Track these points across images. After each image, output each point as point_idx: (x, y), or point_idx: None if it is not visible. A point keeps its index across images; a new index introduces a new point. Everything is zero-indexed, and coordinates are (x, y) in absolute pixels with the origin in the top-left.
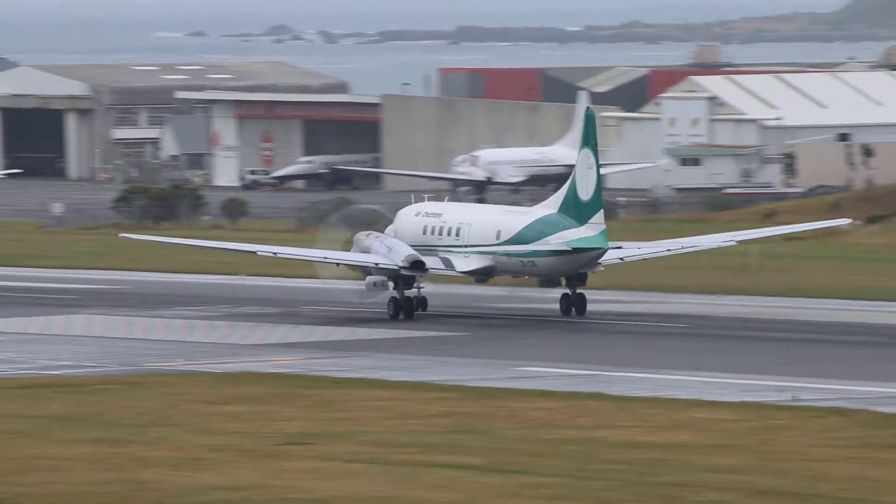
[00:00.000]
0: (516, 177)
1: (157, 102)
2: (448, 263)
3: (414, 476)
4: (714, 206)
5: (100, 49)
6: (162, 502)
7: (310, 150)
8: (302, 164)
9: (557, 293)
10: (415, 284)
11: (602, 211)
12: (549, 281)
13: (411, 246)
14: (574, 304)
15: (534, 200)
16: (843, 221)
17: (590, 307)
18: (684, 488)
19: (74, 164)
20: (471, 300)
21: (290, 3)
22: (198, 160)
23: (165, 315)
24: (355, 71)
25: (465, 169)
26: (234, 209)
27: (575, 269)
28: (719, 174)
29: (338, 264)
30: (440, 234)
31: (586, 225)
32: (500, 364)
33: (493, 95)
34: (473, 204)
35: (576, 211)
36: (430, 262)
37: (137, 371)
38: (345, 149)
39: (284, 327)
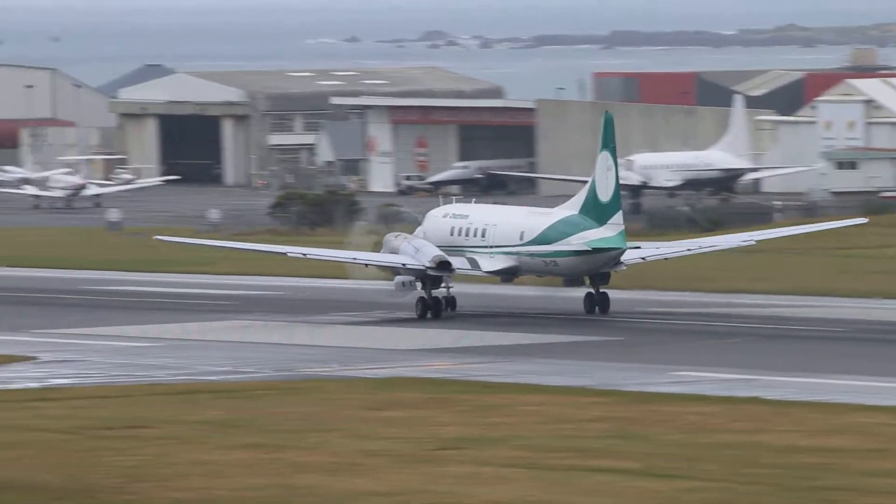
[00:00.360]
0: (672, 181)
1: (313, 108)
2: (474, 264)
3: (569, 481)
4: (871, 210)
5: (255, 56)
6: None
7: (465, 155)
8: (457, 169)
9: (581, 292)
10: (443, 284)
11: (620, 212)
12: (573, 280)
13: (439, 246)
14: (598, 304)
15: (690, 205)
16: (862, 220)
17: (755, 311)
18: (844, 493)
19: (230, 170)
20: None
21: (446, 8)
22: (353, 166)
23: (319, 320)
24: (510, 76)
25: (620, 173)
26: (389, 215)
27: (596, 269)
28: (876, 177)
29: (366, 265)
30: (467, 234)
31: (606, 226)
32: (655, 368)
33: (647, 99)
34: (499, 206)
35: (596, 212)
36: (457, 262)
37: (293, 376)
38: (499, 154)
39: (432, 331)
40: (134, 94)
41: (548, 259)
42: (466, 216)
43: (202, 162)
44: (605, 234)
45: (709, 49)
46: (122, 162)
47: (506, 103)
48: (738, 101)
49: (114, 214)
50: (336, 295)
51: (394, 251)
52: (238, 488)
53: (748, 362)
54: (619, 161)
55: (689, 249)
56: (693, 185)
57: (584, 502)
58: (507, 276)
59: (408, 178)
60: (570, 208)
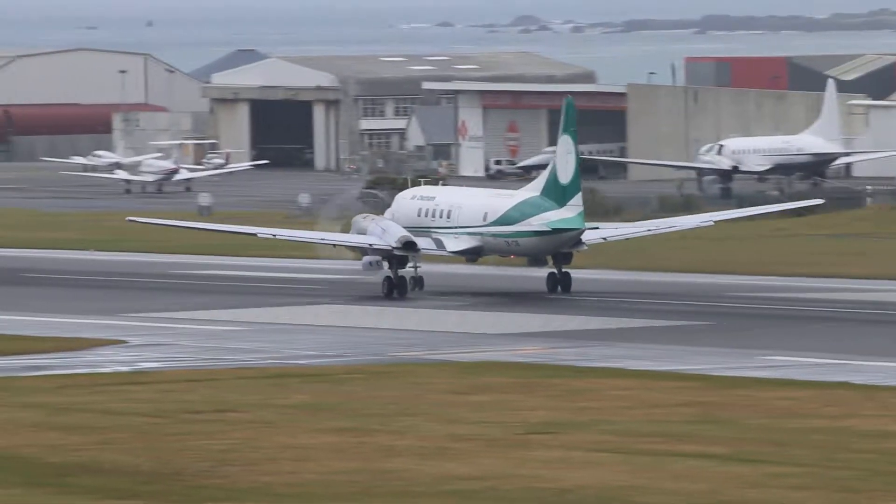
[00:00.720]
0: (762, 166)
1: (404, 93)
2: (440, 244)
3: (658, 465)
4: None
5: (347, 41)
6: (407, 491)
7: (555, 139)
8: (547, 153)
9: (544, 272)
10: (411, 265)
11: (580, 194)
12: (537, 260)
13: (407, 228)
14: (560, 283)
15: (780, 190)
16: (818, 201)
17: (845, 296)
18: None
19: (321, 154)
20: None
21: None
22: (443, 150)
23: (407, 305)
24: (601, 60)
25: (711, 158)
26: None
27: (556, 249)
28: None
29: (334, 245)
30: (433, 216)
31: (566, 207)
32: (744, 353)
33: (738, 84)
34: (464, 188)
35: (556, 194)
36: (423, 242)
37: (382, 360)
38: (590, 138)
39: (522, 315)
40: (226, 79)
41: (510, 239)
42: (433, 198)
43: (293, 146)
44: (565, 214)
45: (801, 33)
46: (214, 147)
47: (597, 88)
48: (830, 86)
49: (204, 199)
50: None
51: (362, 232)
52: (327, 472)
53: (838, 347)
54: (711, 145)
55: (648, 230)
56: (783, 169)
57: (673, 487)
58: (472, 255)
59: (497, 162)
60: (532, 190)
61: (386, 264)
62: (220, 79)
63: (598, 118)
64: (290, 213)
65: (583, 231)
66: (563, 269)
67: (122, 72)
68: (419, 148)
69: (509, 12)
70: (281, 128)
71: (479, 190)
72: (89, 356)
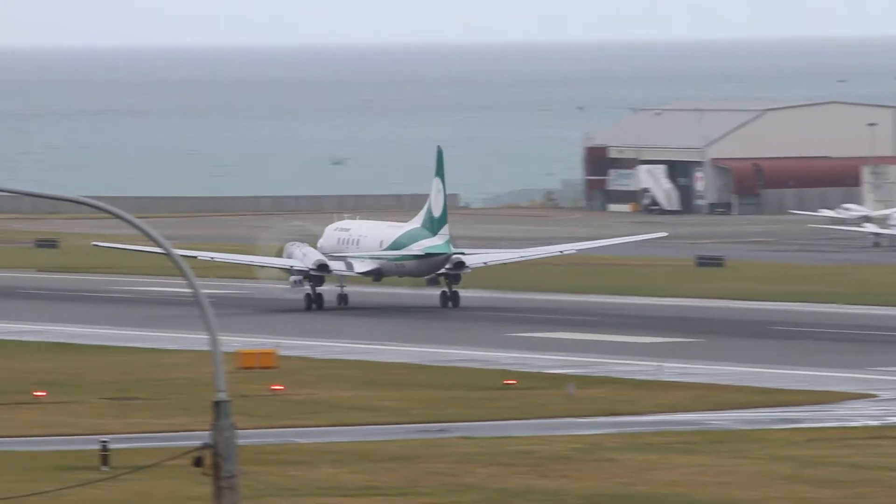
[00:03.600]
0: None
1: None
2: (349, 266)
3: None
4: None
5: None
6: None
7: None
8: None
9: (437, 291)
10: (338, 284)
11: (447, 225)
12: (432, 280)
13: (329, 254)
14: (450, 299)
15: None
16: (662, 234)
17: None
18: None
19: None
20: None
21: None
22: None
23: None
24: None
25: None
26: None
27: (432, 270)
28: None
29: (262, 266)
30: (347, 244)
31: (437, 235)
32: None
33: None
34: (371, 221)
35: (430, 225)
36: (336, 265)
37: None
38: None
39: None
40: None
41: (397, 262)
42: (348, 229)
43: None
44: (436, 241)
45: None
46: None
47: None
48: None
49: None
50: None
51: (289, 256)
52: None
53: None
54: None
55: (522, 256)
56: None
57: None
58: (375, 275)
59: None
60: (415, 223)
61: (307, 283)
62: None
63: None
64: None
65: (450, 255)
66: (454, 289)
67: (872, 124)
68: None
69: None
70: None
71: (380, 222)
72: (839, 409)
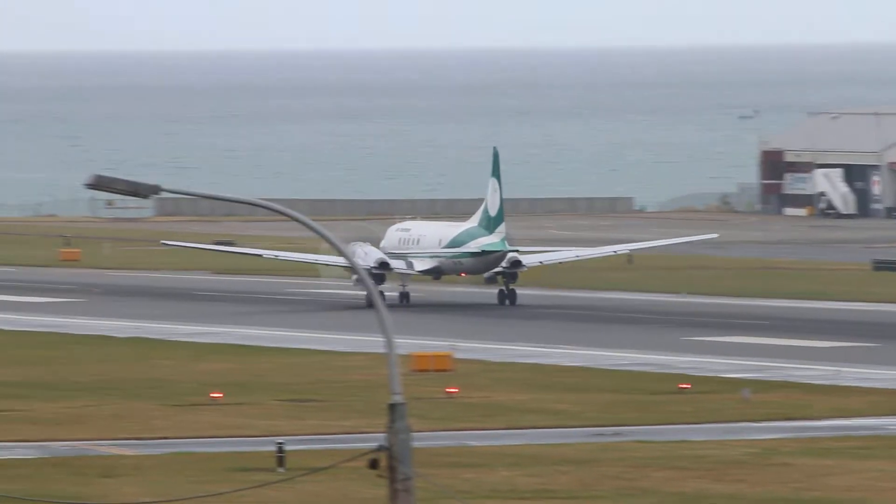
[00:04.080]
0: None
1: None
2: (410, 265)
3: None
4: None
5: None
6: None
7: None
8: None
9: (496, 289)
10: (402, 283)
11: (504, 223)
12: (490, 279)
13: (392, 252)
14: (508, 297)
15: None
16: (713, 235)
17: None
18: None
19: None
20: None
21: None
22: None
23: None
24: None
25: None
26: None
27: (489, 267)
28: None
29: (326, 265)
30: (408, 243)
31: (493, 234)
32: None
33: None
34: (431, 221)
35: (487, 224)
36: (397, 263)
37: None
38: None
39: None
40: None
41: (455, 259)
42: (409, 230)
43: None
44: (492, 240)
45: None
46: None
47: None
48: None
49: None
50: None
51: (352, 255)
52: None
53: None
54: None
55: (577, 256)
56: None
57: None
58: (435, 274)
59: None
60: (472, 222)
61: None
62: None
63: None
64: None
65: (507, 252)
66: (511, 287)
67: None
68: None
69: None
70: None
71: (439, 222)
72: None
